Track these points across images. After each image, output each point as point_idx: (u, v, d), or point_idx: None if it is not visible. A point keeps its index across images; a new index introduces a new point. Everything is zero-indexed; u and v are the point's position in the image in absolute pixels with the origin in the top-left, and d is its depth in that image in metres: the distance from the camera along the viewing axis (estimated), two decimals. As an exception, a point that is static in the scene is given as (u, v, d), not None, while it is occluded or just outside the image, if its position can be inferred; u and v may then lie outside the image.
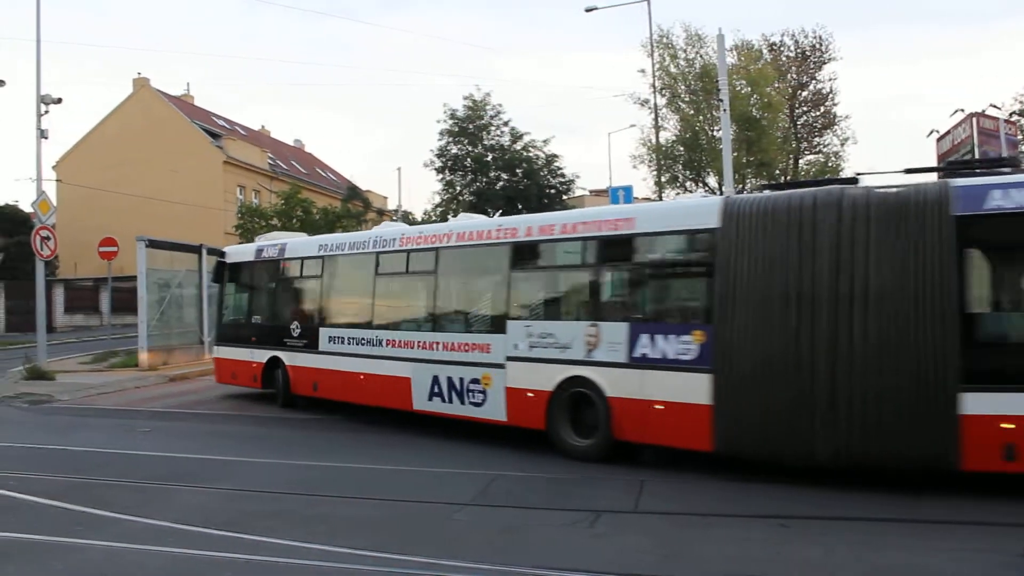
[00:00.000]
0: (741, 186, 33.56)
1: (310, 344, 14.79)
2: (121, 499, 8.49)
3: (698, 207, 10.14)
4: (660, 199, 30.96)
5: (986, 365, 8.05)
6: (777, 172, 39.21)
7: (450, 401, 12.04)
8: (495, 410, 11.40)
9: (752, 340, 8.91)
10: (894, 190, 8.76)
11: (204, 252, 23.68)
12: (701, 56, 36.53)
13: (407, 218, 44.70)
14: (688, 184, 36.60)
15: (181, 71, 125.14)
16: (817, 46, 43.86)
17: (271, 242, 16.85)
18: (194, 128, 49.90)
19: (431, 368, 12.30)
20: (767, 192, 9.98)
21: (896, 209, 8.49)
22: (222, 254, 18.23)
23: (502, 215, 16.00)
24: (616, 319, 10.27)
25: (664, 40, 36.92)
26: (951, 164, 12.60)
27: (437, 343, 12.30)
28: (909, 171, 9.37)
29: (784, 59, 43.68)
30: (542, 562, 6.42)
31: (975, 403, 7.94)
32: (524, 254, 11.53)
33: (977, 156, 24.94)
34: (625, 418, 9.93)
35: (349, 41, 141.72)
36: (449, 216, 36.30)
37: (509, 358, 11.20)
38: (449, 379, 12.05)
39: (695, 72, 36.49)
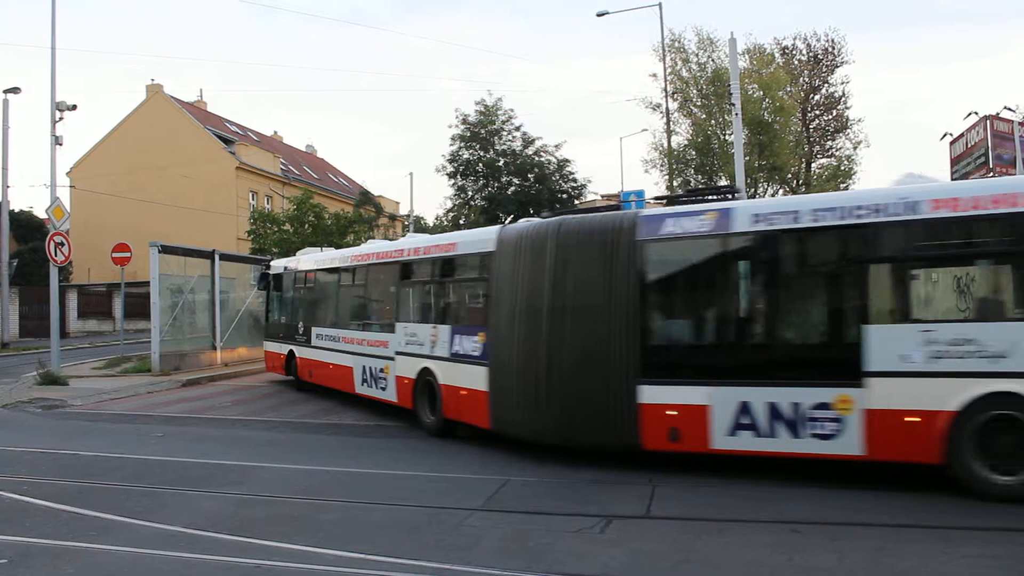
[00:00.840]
0: (753, 190, 33.48)
1: (307, 340, 18.19)
2: (133, 504, 8.50)
3: (485, 234, 12.30)
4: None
5: (656, 362, 9.79)
6: (789, 176, 39.14)
7: (372, 387, 14.92)
8: (391, 393, 14.12)
9: (504, 342, 10.98)
10: (601, 216, 10.62)
11: (217, 257, 23.80)
12: (713, 60, 36.54)
13: (419, 223, 44.79)
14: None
15: (194, 77, 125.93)
16: (829, 49, 43.79)
17: (294, 258, 20.68)
18: (207, 134, 50.17)
19: (361, 360, 15.28)
20: (535, 220, 11.66)
21: (599, 234, 10.24)
22: (268, 266, 21.85)
23: (513, 221, 16.72)
24: (446, 323, 12.67)
25: (676, 44, 36.98)
26: (684, 193, 14.70)
27: (364, 340, 15.30)
28: (657, 199, 12.80)
29: (796, 63, 43.62)
30: (554, 568, 6.38)
31: (649, 394, 9.71)
32: (405, 270, 14.16)
33: (991, 158, 24.86)
34: (449, 400, 12.31)
35: (365, 47, 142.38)
36: (461, 221, 36.37)
37: (396, 352, 13.91)
38: (371, 368, 14.93)
39: (707, 76, 36.49)
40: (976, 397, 8.05)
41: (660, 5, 32.77)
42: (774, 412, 9.00)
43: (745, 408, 9.18)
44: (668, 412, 9.58)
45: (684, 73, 37.56)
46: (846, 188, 36.83)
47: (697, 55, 37.25)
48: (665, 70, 35.12)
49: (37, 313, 35.55)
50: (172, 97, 52.11)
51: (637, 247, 9.92)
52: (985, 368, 8.00)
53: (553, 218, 11.04)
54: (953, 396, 8.15)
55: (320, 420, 14.83)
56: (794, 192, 38.71)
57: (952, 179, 25.25)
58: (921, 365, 8.26)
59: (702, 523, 7.72)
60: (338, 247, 30.89)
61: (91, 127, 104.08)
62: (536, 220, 11.54)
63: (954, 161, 28.02)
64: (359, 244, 31.93)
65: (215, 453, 11.78)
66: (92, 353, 29.34)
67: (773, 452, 9.09)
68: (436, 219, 42.15)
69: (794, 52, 44.05)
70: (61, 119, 22.69)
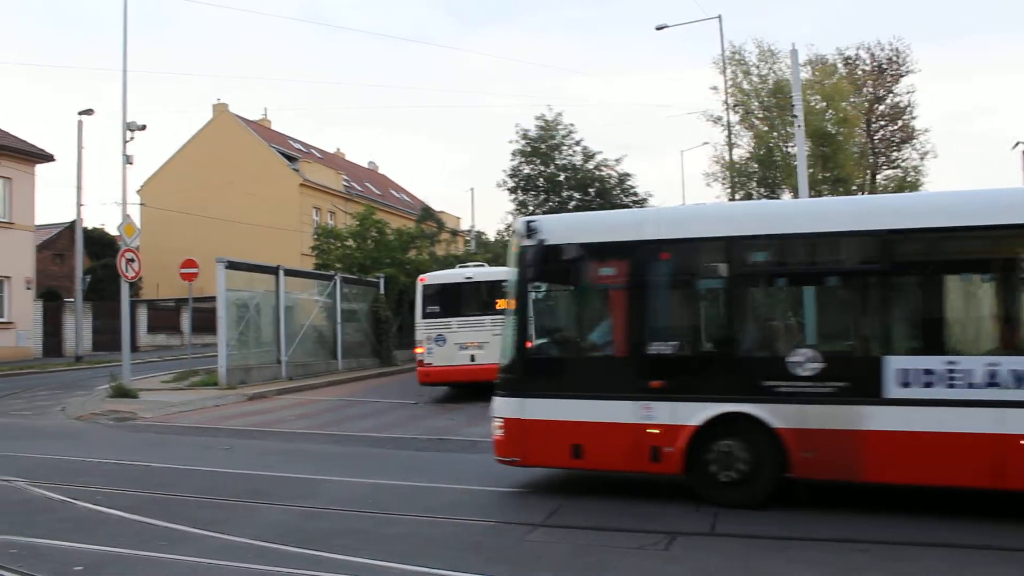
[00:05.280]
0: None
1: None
2: (202, 515, 8.67)
3: None
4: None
5: None
6: (854, 188, 38.52)
7: None
8: None
9: None
10: None
11: (281, 273, 24.14)
12: (774, 72, 36.28)
13: (480, 239, 45.00)
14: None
15: (259, 96, 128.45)
16: (894, 59, 43.10)
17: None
18: (271, 152, 51.11)
19: None
20: None
21: None
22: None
23: None
24: None
25: (737, 57, 36.78)
26: None
27: None
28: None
29: (860, 73, 43.00)
30: (617, 584, 6.35)
31: None
32: None
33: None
34: None
35: (426, 64, 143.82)
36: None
37: None
38: None
39: (768, 88, 36.18)
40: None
41: (720, 18, 32.61)
42: None
43: None
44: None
45: (745, 85, 37.33)
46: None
47: (758, 67, 37.03)
48: (726, 83, 34.91)
49: (109, 327, 36.44)
50: (237, 116, 53.21)
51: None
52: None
53: None
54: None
55: (384, 434, 14.93)
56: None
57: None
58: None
59: (767, 541, 7.60)
60: (399, 263, 31.15)
61: (160, 146, 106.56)
62: None
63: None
64: (421, 259, 32.24)
65: (281, 466, 11.95)
66: (161, 367, 29.99)
67: None
68: (498, 234, 42.33)
69: (857, 62, 43.45)
70: (132, 139, 23.20)
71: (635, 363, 9.27)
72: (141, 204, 46.32)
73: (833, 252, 9.24)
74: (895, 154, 43.89)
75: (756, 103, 36.96)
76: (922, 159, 42.59)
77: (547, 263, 9.66)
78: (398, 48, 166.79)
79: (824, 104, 35.37)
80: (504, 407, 9.67)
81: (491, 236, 45.32)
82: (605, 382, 9.42)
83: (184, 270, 24.96)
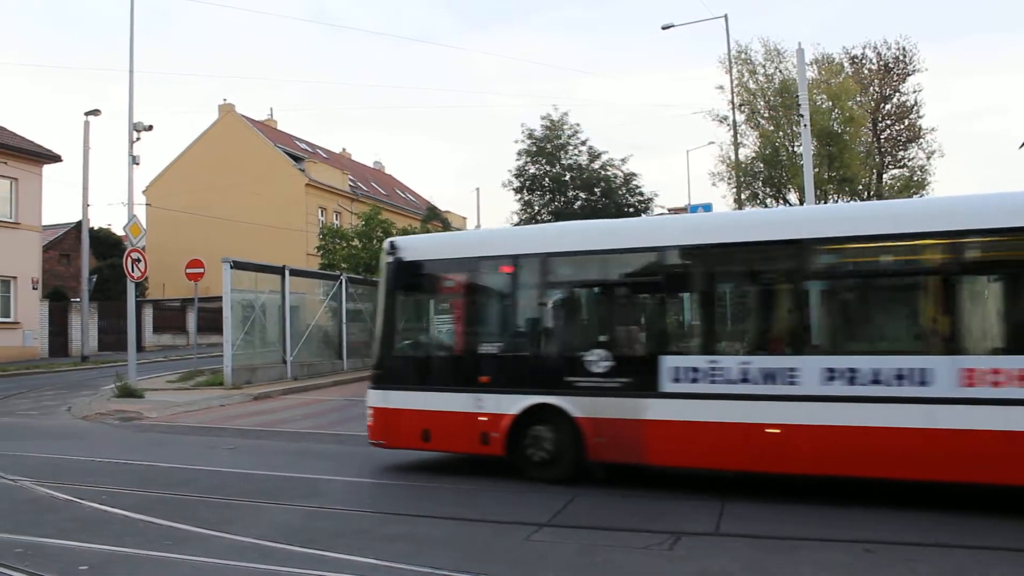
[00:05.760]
0: (823, 202, 32.94)
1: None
2: (208, 515, 8.67)
3: None
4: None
5: None
6: (860, 187, 38.43)
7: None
8: None
9: None
10: None
11: (287, 273, 24.17)
12: (780, 71, 36.13)
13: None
14: (768, 201, 36.13)
15: (265, 96, 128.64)
16: (900, 58, 43.00)
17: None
18: (277, 152, 51.19)
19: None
20: None
21: None
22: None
23: None
24: None
25: (743, 56, 36.63)
26: None
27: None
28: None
29: (866, 72, 42.89)
30: (622, 584, 6.34)
31: None
32: None
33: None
34: None
35: (432, 64, 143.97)
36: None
37: None
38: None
39: (774, 87, 36.07)
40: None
41: (726, 17, 32.57)
42: None
43: None
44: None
45: (751, 85, 37.19)
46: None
47: (764, 66, 36.88)
48: (732, 82, 34.80)
49: (115, 328, 36.55)
50: (243, 116, 53.30)
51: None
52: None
53: None
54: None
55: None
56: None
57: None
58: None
59: (773, 541, 7.57)
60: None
61: (166, 146, 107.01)
62: None
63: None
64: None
65: (285, 466, 11.97)
66: (167, 367, 30.04)
67: None
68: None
69: (864, 61, 43.34)
70: (138, 139, 23.25)
71: (469, 361, 10.97)
72: (147, 204, 46.48)
73: (612, 267, 10.66)
74: (901, 153, 43.78)
75: (762, 102, 36.85)
76: (928, 158, 42.48)
77: (405, 276, 11.55)
78: (404, 48, 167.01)
79: (830, 103, 35.24)
80: (373, 398, 11.46)
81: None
82: (448, 377, 11.17)
83: (190, 270, 25.00)
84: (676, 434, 9.44)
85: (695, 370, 9.41)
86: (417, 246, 12.14)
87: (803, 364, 8.95)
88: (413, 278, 11.65)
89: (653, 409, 9.57)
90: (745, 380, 9.13)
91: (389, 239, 12.22)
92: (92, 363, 32.46)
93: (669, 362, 9.55)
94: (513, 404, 10.35)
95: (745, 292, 10.36)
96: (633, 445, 9.66)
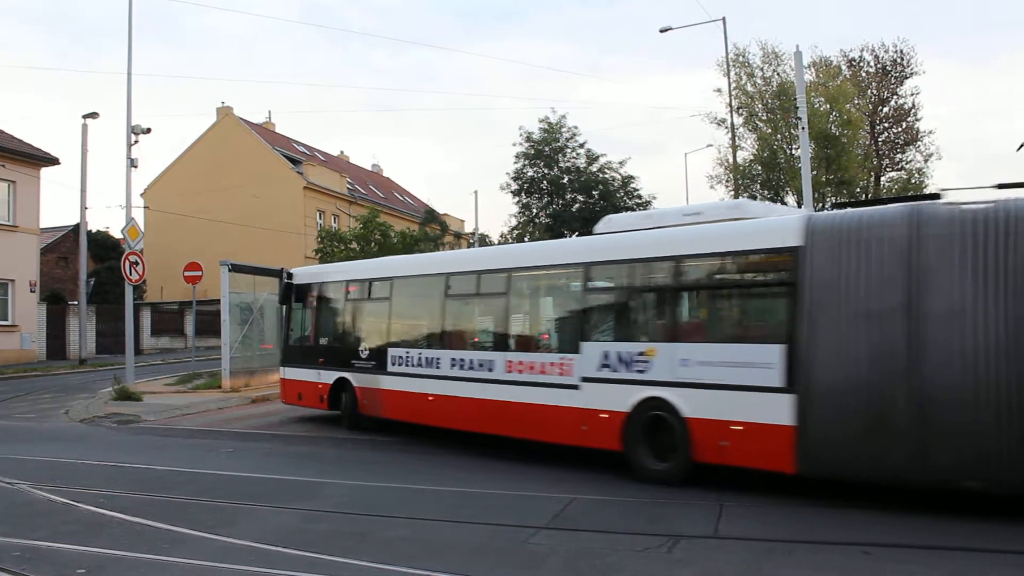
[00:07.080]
0: (820, 205, 32.96)
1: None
2: (204, 517, 8.66)
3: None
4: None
5: None
6: (858, 190, 38.45)
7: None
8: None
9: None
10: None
11: (284, 276, 24.10)
12: (778, 74, 36.17)
13: (484, 241, 45.01)
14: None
15: (263, 99, 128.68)
16: (898, 60, 43.06)
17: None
18: (275, 155, 51.12)
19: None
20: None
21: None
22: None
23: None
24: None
25: (740, 59, 36.69)
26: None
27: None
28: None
29: (864, 75, 42.94)
30: (620, 587, 6.32)
31: None
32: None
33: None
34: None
35: (430, 67, 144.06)
36: (526, 238, 36.44)
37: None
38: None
39: (772, 90, 36.12)
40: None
41: (724, 20, 32.65)
42: None
43: None
44: None
45: (749, 87, 37.24)
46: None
47: (762, 69, 36.92)
48: (730, 85, 34.81)
49: (113, 330, 36.47)
50: (241, 119, 53.23)
51: None
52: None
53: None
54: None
55: (388, 438, 14.91)
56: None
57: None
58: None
59: (771, 543, 7.58)
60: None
61: (164, 149, 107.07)
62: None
63: (1031, 173, 27.26)
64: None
65: (283, 469, 11.96)
66: (165, 369, 29.99)
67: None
68: (501, 236, 42.33)
69: (861, 64, 43.41)
70: (136, 142, 23.30)
71: (315, 349, 16.88)
72: (145, 207, 46.39)
73: (375, 290, 15.67)
74: (899, 156, 43.84)
75: (760, 105, 36.88)
76: (926, 161, 42.56)
77: (294, 293, 17.50)
78: (402, 51, 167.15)
79: (828, 106, 35.29)
80: (282, 372, 17.85)
81: (495, 239, 45.34)
82: (307, 359, 16.85)
83: (188, 273, 24.99)
84: (395, 398, 14.47)
85: (400, 358, 14.41)
86: (302, 273, 18.02)
87: (441, 355, 13.61)
88: (298, 295, 17.43)
89: (384, 382, 14.67)
90: (419, 365, 13.99)
91: (287, 270, 18.57)
92: (90, 366, 32.42)
93: (391, 353, 14.58)
94: (330, 377, 15.98)
95: (417, 307, 14.93)
96: (378, 405, 14.88)
